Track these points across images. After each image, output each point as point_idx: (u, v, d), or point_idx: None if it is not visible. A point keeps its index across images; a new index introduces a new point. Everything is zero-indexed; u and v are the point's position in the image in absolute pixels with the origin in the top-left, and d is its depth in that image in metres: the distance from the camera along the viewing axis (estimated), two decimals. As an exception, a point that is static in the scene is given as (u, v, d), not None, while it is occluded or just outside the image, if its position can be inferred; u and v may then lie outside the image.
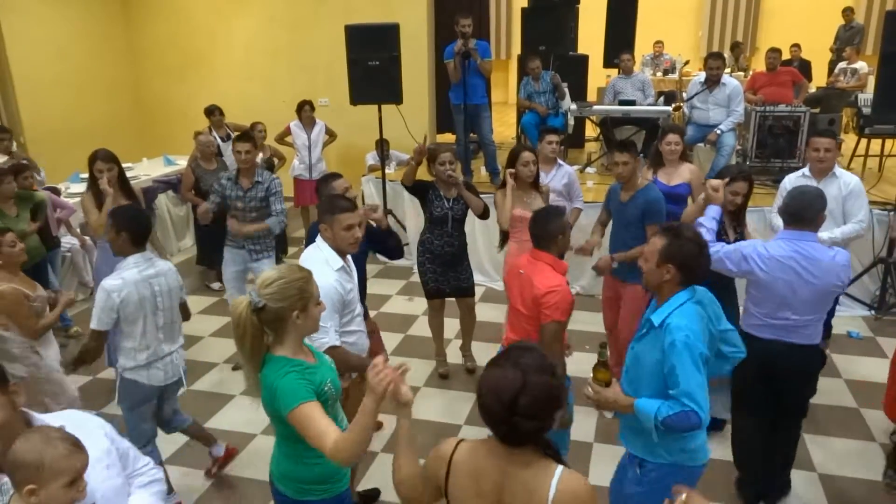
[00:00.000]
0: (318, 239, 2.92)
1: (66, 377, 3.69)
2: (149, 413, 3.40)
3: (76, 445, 1.68)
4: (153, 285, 3.21)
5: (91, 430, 1.87)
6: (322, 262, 2.80)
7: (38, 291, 3.57)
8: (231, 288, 4.81)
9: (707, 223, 3.21)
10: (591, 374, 2.50)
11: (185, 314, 3.48)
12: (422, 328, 5.49)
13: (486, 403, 1.63)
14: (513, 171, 4.21)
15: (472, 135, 6.86)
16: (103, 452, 1.86)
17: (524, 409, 1.58)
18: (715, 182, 3.32)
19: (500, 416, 1.60)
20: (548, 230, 3.07)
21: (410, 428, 1.90)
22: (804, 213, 2.98)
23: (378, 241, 3.89)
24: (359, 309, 3.03)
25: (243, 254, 4.71)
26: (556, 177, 4.76)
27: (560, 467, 1.64)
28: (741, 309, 3.32)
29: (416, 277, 4.51)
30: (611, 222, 4.30)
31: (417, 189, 4.46)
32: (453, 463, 1.74)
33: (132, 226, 3.17)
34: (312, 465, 2.17)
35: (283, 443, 2.21)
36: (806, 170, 4.30)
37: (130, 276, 3.14)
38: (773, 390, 3.17)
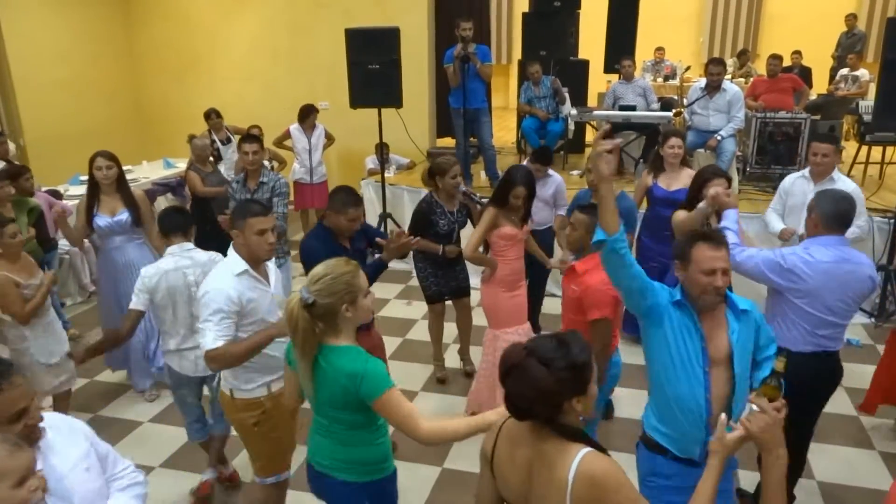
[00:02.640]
0: (230, 250, 2.82)
1: (46, 376, 3.77)
2: (188, 397, 3.50)
3: (17, 445, 1.63)
4: (187, 275, 3.28)
5: (70, 432, 1.86)
6: (225, 268, 2.76)
7: (38, 275, 3.72)
8: None
9: (731, 225, 3.08)
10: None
11: None
12: (420, 332, 5.48)
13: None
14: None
15: (471, 139, 6.86)
16: (83, 455, 1.84)
17: (510, 387, 1.68)
18: (721, 189, 3.26)
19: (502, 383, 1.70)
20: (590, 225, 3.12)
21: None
22: (845, 217, 2.91)
23: (375, 244, 3.88)
24: (274, 318, 2.84)
25: None
26: (545, 186, 4.77)
27: (585, 449, 1.65)
28: None
29: (414, 281, 4.50)
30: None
31: (421, 230, 4.25)
32: (499, 436, 1.83)
33: (158, 219, 3.46)
34: (377, 444, 2.30)
35: (343, 432, 2.25)
36: (806, 171, 4.34)
37: (165, 264, 3.29)
38: (809, 401, 3.04)
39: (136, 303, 3.27)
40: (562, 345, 1.66)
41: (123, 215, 4.27)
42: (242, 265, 2.74)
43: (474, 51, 6.14)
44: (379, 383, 2.10)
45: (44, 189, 5.81)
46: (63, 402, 3.98)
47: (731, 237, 2.92)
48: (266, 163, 6.71)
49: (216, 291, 2.65)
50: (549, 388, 1.62)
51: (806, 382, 2.89)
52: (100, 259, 4.54)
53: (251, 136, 4.75)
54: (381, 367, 2.15)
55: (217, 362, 2.64)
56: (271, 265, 2.96)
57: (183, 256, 3.32)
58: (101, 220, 4.26)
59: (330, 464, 2.31)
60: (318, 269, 2.16)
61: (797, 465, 3.28)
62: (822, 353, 2.98)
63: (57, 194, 5.98)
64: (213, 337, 2.60)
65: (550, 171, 4.86)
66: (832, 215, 2.91)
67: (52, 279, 3.84)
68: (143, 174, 7.35)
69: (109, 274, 4.44)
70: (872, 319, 5.52)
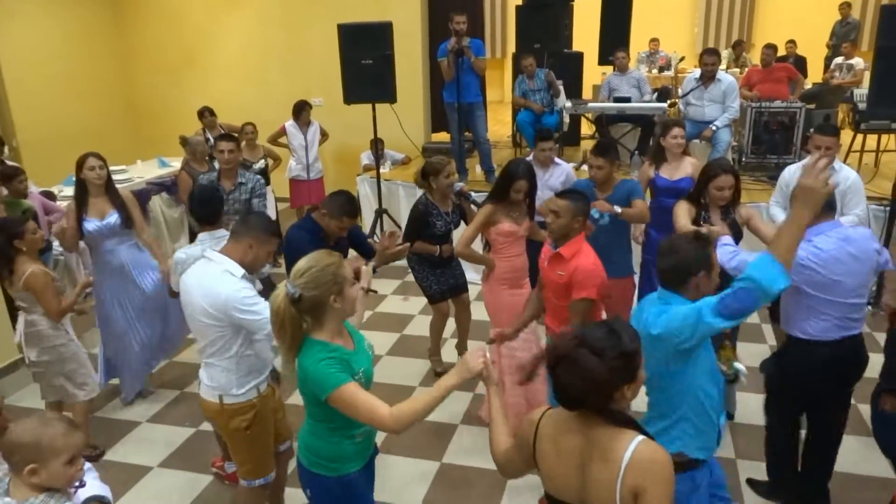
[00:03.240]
0: (209, 252, 2.79)
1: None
2: None
3: (71, 425, 1.83)
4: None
5: None
6: (222, 273, 2.69)
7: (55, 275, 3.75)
8: None
9: (727, 241, 3.11)
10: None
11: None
12: (417, 328, 5.48)
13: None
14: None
15: (466, 133, 6.84)
16: None
17: (560, 377, 1.67)
18: (711, 229, 3.26)
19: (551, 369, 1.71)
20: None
21: (502, 404, 2.07)
22: (832, 202, 3.03)
23: (358, 244, 3.92)
24: None
25: None
26: (554, 175, 4.75)
27: (640, 437, 1.67)
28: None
29: (410, 277, 4.49)
30: None
31: (419, 232, 4.27)
32: (540, 427, 1.83)
33: (189, 206, 3.49)
34: (333, 443, 2.25)
35: (310, 422, 2.29)
36: (806, 161, 4.32)
37: (193, 251, 3.29)
38: (839, 388, 3.10)
39: (174, 286, 3.39)
40: (612, 333, 1.67)
41: (113, 217, 4.17)
42: (240, 269, 2.73)
43: (468, 44, 6.12)
44: (323, 383, 2.06)
45: (38, 190, 5.78)
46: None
47: (728, 244, 2.99)
48: (262, 161, 6.72)
49: (239, 286, 2.66)
50: (603, 378, 1.63)
51: (840, 365, 3.01)
52: (94, 262, 4.48)
53: (227, 136, 4.70)
54: (330, 366, 2.07)
55: None
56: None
57: (213, 244, 3.26)
58: (91, 224, 4.13)
59: (299, 442, 2.35)
60: (302, 263, 2.12)
61: (827, 463, 3.28)
62: (850, 337, 3.00)
63: (51, 195, 5.94)
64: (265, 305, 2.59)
65: (558, 160, 4.84)
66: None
67: (86, 283, 3.87)
68: (137, 174, 7.31)
69: (105, 277, 4.35)
70: (869, 307, 5.53)
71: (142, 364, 4.54)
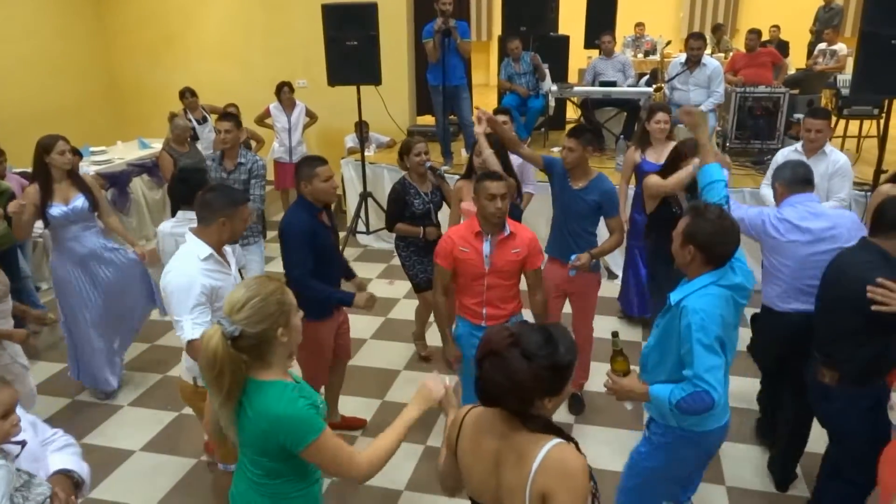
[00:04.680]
0: (188, 235, 2.78)
1: (28, 372, 3.63)
2: None
3: (3, 381, 1.85)
4: (178, 243, 3.16)
5: None
6: (189, 254, 2.69)
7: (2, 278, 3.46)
8: None
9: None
10: (610, 366, 2.45)
11: None
12: (402, 312, 5.47)
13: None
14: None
15: (451, 116, 6.80)
16: (21, 415, 1.94)
17: (485, 371, 1.61)
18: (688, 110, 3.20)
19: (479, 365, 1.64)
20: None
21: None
22: (806, 176, 3.24)
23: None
24: None
25: None
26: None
27: (555, 440, 1.61)
28: None
29: (396, 261, 4.47)
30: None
31: (398, 213, 4.31)
32: (463, 425, 1.78)
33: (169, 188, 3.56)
34: (295, 498, 1.97)
35: (262, 479, 1.93)
36: (799, 146, 4.40)
37: (168, 226, 3.31)
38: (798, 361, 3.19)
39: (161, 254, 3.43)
40: (549, 342, 1.58)
41: (79, 201, 4.00)
42: (207, 250, 2.69)
43: (455, 25, 6.06)
44: (305, 431, 1.79)
45: (15, 171, 5.68)
46: None
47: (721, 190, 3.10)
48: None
49: (184, 282, 2.61)
50: (526, 384, 1.56)
51: (792, 342, 3.13)
52: (56, 254, 4.21)
53: (227, 115, 4.64)
54: (309, 409, 1.82)
55: (197, 354, 2.49)
56: (229, 248, 2.90)
57: (183, 224, 3.26)
58: (56, 210, 3.94)
59: None
60: (238, 294, 1.82)
61: (800, 440, 3.39)
62: (804, 312, 3.06)
63: (29, 176, 5.84)
64: (190, 326, 2.57)
65: None
66: (792, 180, 3.23)
67: (39, 317, 3.89)
68: (117, 155, 7.19)
69: (71, 267, 4.14)
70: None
71: (109, 354, 4.36)
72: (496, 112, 4.78)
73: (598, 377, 4.17)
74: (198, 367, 2.58)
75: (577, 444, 1.65)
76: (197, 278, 2.61)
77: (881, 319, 2.46)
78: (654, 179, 3.91)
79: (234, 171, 4.51)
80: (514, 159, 4.69)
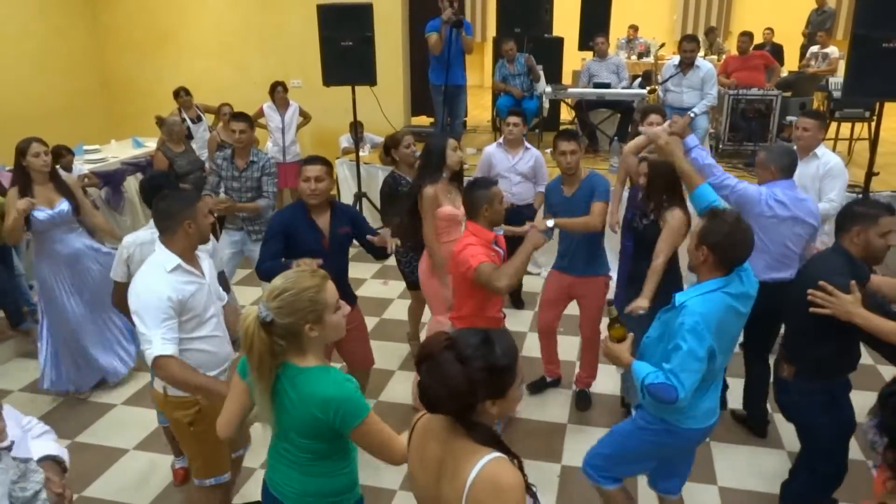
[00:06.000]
0: (157, 245, 2.66)
1: None
2: None
3: None
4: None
5: None
6: (156, 266, 2.56)
7: None
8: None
9: (692, 141, 3.46)
10: (608, 332, 2.56)
11: None
12: (396, 312, 5.47)
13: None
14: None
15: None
16: None
17: (423, 377, 1.57)
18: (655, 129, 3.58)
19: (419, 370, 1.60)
20: (472, 200, 3.16)
21: None
22: (794, 166, 3.52)
23: (365, 239, 3.65)
24: (212, 311, 2.69)
25: (242, 235, 4.69)
26: (523, 160, 4.76)
27: (492, 454, 1.54)
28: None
29: (391, 261, 4.47)
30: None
31: (391, 208, 4.28)
32: (414, 432, 1.76)
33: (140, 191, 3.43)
34: (341, 475, 2.06)
35: (307, 463, 1.99)
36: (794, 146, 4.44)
37: (142, 235, 3.19)
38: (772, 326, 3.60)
39: (116, 274, 3.18)
40: (486, 343, 1.54)
41: (64, 205, 3.96)
42: (174, 260, 2.56)
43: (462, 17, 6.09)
44: (356, 411, 1.88)
45: (5, 169, 5.66)
46: None
47: (704, 157, 3.46)
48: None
49: (152, 296, 2.47)
50: (461, 388, 1.51)
51: (772, 306, 3.20)
52: (39, 259, 4.15)
53: (240, 115, 4.72)
54: (357, 390, 1.92)
55: (164, 371, 2.45)
56: (203, 255, 2.77)
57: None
58: (41, 214, 3.89)
59: (286, 492, 2.05)
60: (278, 283, 1.89)
61: (760, 380, 3.78)
62: (785, 281, 3.30)
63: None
64: (160, 342, 2.43)
65: (528, 145, 4.84)
66: (788, 166, 3.49)
67: None
68: (111, 153, 7.17)
69: (56, 271, 4.11)
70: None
71: (95, 352, 4.32)
72: (510, 113, 4.81)
73: (603, 376, 4.28)
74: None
75: (520, 460, 1.60)
76: (164, 292, 2.48)
77: (831, 321, 2.54)
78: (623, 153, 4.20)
79: (246, 170, 4.58)
80: (527, 161, 4.73)
